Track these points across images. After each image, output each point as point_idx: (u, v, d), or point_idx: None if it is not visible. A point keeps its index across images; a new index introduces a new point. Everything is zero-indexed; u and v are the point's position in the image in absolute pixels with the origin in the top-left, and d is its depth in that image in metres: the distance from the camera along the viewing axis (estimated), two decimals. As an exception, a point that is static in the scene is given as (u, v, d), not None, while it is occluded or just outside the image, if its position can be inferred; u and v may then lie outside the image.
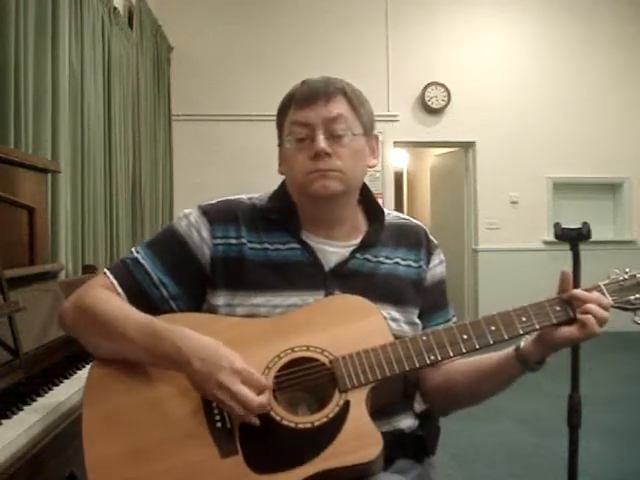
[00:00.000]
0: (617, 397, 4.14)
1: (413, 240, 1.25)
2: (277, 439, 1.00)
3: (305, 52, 6.38)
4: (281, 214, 1.20)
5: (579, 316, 1.07)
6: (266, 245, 1.17)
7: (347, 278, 1.17)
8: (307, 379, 1.05)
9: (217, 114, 6.30)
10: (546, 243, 6.52)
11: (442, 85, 6.52)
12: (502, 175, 6.61)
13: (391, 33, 6.55)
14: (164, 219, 5.64)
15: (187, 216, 1.19)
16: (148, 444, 1.00)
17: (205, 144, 6.31)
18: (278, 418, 1.01)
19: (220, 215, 1.18)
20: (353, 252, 1.19)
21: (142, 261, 1.16)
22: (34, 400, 1.32)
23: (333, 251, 1.19)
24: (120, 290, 1.13)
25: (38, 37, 2.74)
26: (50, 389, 1.42)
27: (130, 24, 4.81)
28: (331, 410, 1.02)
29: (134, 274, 1.15)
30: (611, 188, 6.90)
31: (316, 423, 1.01)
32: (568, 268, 1.76)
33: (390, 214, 1.28)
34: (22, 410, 1.25)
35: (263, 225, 1.19)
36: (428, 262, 1.25)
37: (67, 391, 1.41)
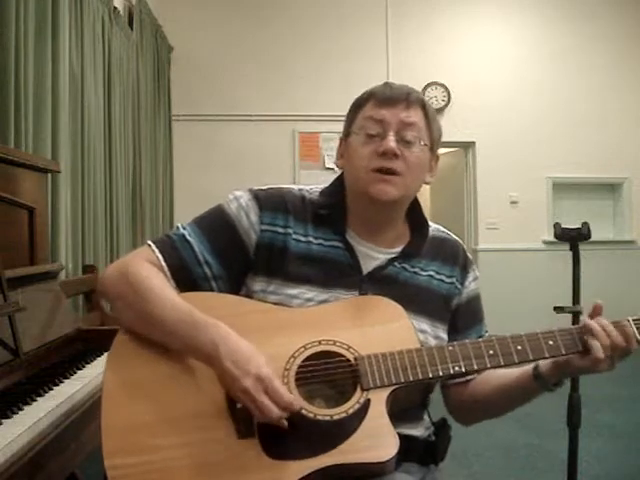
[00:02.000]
0: (617, 397, 4.14)
1: (449, 255, 1.27)
2: (294, 427, 1.00)
3: (305, 52, 6.37)
4: (330, 210, 1.20)
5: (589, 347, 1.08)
6: (310, 239, 1.18)
7: (382, 284, 1.18)
8: (330, 373, 1.06)
9: (217, 114, 6.29)
10: (546, 243, 6.52)
11: (442, 85, 6.52)
12: (502, 175, 6.61)
13: (391, 33, 6.54)
14: (164, 219, 5.64)
15: (238, 198, 1.19)
16: (167, 416, 1.01)
17: (205, 144, 6.30)
18: (298, 407, 1.01)
19: (270, 202, 1.19)
20: (392, 259, 1.20)
21: (189, 238, 1.16)
22: (34, 400, 1.32)
23: (374, 256, 1.20)
24: (164, 264, 1.13)
25: (38, 37, 2.74)
26: (50, 389, 1.42)
27: (130, 24, 4.81)
28: (351, 406, 1.03)
29: (179, 250, 1.14)
30: (611, 188, 6.89)
31: (335, 417, 1.02)
32: (568, 268, 1.77)
33: (431, 226, 1.29)
34: (22, 410, 1.25)
35: (311, 218, 1.20)
36: (463, 280, 1.27)
37: (67, 391, 1.41)
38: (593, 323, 1.08)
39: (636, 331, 1.10)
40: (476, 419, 1.28)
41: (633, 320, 1.11)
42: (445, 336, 1.22)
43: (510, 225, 6.60)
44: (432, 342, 1.18)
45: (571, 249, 1.76)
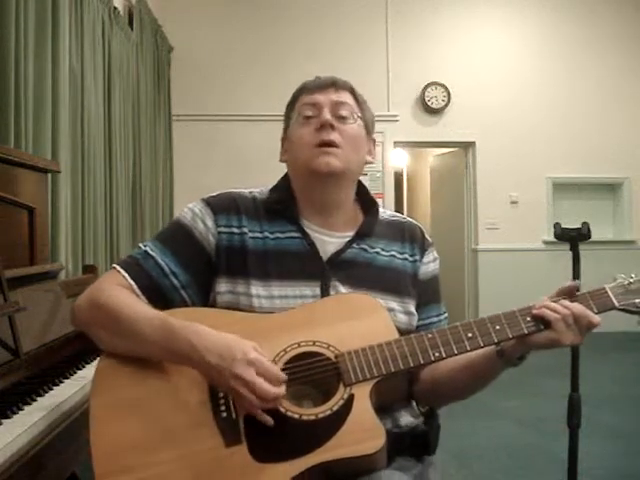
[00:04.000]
0: (617, 397, 4.14)
1: (408, 236, 1.29)
2: (281, 430, 1.01)
3: (305, 52, 6.37)
4: (281, 204, 1.24)
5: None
6: (266, 234, 1.21)
7: (344, 267, 1.20)
8: (313, 373, 1.07)
9: (217, 114, 6.30)
10: (546, 243, 6.52)
11: (442, 85, 6.52)
12: (502, 175, 6.61)
13: (391, 33, 6.55)
14: (164, 219, 5.64)
15: (191, 209, 1.23)
16: (154, 433, 1.02)
17: (205, 144, 6.31)
18: (283, 410, 1.02)
19: (223, 205, 1.22)
20: (349, 242, 1.23)
21: (151, 253, 1.18)
22: (34, 400, 1.32)
23: (330, 241, 1.22)
24: (132, 282, 1.15)
25: (38, 37, 2.74)
26: (50, 389, 1.42)
27: (130, 24, 4.81)
28: (335, 403, 1.04)
29: (144, 266, 1.17)
30: (611, 188, 6.90)
31: (320, 415, 1.03)
32: (568, 268, 1.77)
33: (386, 212, 1.33)
34: (22, 410, 1.25)
35: (264, 215, 1.23)
36: (422, 257, 1.29)
37: (67, 391, 1.41)
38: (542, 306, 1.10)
39: (613, 297, 1.12)
40: (437, 402, 1.26)
41: (610, 287, 1.13)
42: (415, 311, 1.23)
43: (510, 225, 6.60)
44: (402, 318, 1.19)
45: (571, 249, 1.77)
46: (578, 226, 1.75)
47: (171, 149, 6.14)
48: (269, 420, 1.00)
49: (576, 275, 1.76)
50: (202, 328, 1.05)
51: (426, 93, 6.53)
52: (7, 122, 2.42)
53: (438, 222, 7.40)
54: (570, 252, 1.77)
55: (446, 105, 6.54)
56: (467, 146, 6.75)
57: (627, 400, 4.08)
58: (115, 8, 4.23)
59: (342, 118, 1.20)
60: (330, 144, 1.17)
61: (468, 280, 6.70)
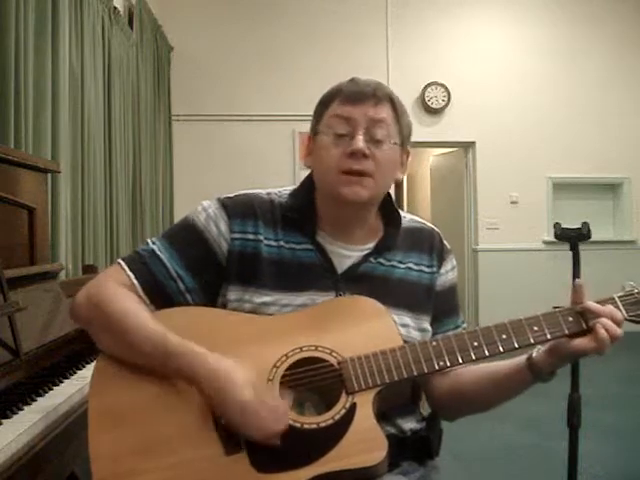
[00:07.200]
0: (617, 397, 4.14)
1: (427, 245, 1.25)
2: (282, 438, 0.99)
3: (305, 52, 6.37)
4: (299, 213, 1.18)
5: (594, 327, 1.04)
6: (281, 243, 1.16)
7: (359, 282, 1.16)
8: (315, 379, 1.05)
9: (217, 114, 6.29)
10: (546, 243, 6.52)
11: (442, 85, 6.52)
12: (502, 175, 6.61)
13: (391, 33, 6.54)
14: (164, 219, 5.64)
15: (206, 209, 1.17)
16: (153, 439, 1.00)
17: (205, 144, 6.30)
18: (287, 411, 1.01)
19: (239, 209, 1.17)
20: (367, 256, 1.18)
21: (159, 253, 1.14)
22: (34, 400, 1.32)
23: (347, 254, 1.18)
24: (136, 282, 1.11)
25: (38, 37, 2.74)
26: (50, 389, 1.42)
27: (130, 24, 4.81)
28: (337, 412, 1.02)
29: (150, 266, 1.13)
30: (611, 188, 6.89)
31: (322, 424, 1.01)
32: (568, 268, 1.77)
33: (406, 217, 1.27)
34: (22, 410, 1.25)
35: (280, 222, 1.17)
36: (440, 267, 1.24)
37: (67, 391, 1.41)
38: (592, 303, 1.06)
39: (622, 307, 1.08)
40: (460, 413, 1.23)
41: (619, 297, 1.10)
42: (429, 327, 1.20)
43: (510, 225, 6.60)
44: (415, 335, 1.16)
45: (571, 249, 1.76)
46: (578, 226, 1.75)
47: (171, 149, 6.14)
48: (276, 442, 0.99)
49: (576, 275, 1.76)
50: (203, 354, 1.01)
51: (426, 93, 6.52)
52: (7, 122, 2.42)
53: (438, 222, 7.29)
54: (570, 252, 1.76)
55: (446, 105, 6.54)
56: (467, 146, 6.75)
57: (627, 400, 4.08)
58: (115, 8, 4.23)
59: (377, 142, 1.11)
60: (361, 174, 1.10)
61: (468, 280, 6.69)
